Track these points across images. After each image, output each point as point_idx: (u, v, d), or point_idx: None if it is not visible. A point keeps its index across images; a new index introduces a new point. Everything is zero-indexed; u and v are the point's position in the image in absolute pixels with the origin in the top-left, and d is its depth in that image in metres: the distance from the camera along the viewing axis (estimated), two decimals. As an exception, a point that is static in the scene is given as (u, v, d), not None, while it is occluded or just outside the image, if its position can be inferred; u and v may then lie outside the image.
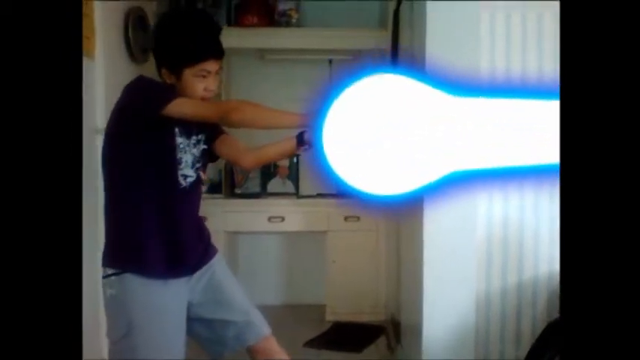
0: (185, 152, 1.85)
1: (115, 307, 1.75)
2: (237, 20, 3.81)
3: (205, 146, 1.93)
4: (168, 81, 1.79)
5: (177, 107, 1.70)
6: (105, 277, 1.77)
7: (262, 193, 4.05)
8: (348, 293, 3.73)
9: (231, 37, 3.74)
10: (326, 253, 3.76)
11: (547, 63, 2.36)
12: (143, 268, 1.75)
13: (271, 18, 3.84)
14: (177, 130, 1.81)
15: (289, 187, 4.11)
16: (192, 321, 1.87)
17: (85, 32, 2.52)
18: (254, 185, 4.06)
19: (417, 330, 2.37)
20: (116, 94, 2.09)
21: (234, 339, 1.92)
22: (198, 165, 1.90)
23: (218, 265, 1.96)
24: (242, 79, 4.11)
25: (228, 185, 4.02)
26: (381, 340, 3.37)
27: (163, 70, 1.80)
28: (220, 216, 3.62)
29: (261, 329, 1.95)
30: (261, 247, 4.16)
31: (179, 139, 1.82)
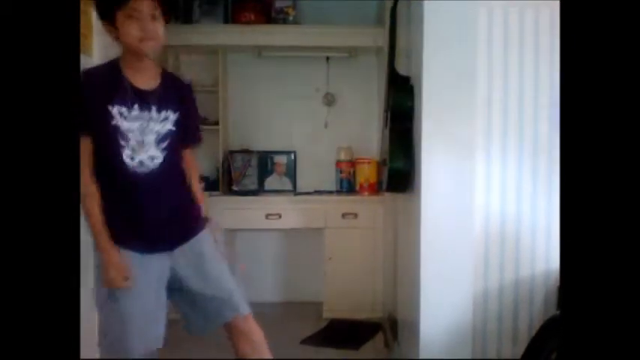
0: (141, 132, 1.87)
1: (99, 275, 1.86)
2: (234, 17, 3.81)
3: (172, 127, 1.93)
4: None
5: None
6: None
7: (259, 190, 4.05)
8: (345, 290, 3.73)
9: (228, 34, 3.76)
10: (323, 250, 3.76)
11: (543, 61, 2.37)
12: (118, 244, 1.86)
13: (268, 15, 3.84)
14: (117, 109, 1.83)
15: (286, 184, 4.11)
16: (177, 292, 1.98)
17: (82, 30, 2.51)
18: (251, 182, 4.06)
19: (414, 327, 2.37)
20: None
21: (215, 314, 1.99)
22: (163, 144, 1.91)
23: (204, 240, 2.02)
24: (239, 76, 4.11)
25: (226, 182, 4.02)
26: (378, 338, 3.37)
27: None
28: (217, 213, 3.62)
29: (241, 307, 2.01)
30: (259, 244, 4.16)
31: (122, 120, 1.84)
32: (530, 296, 2.44)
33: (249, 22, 3.73)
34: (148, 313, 1.89)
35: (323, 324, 3.63)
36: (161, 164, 1.90)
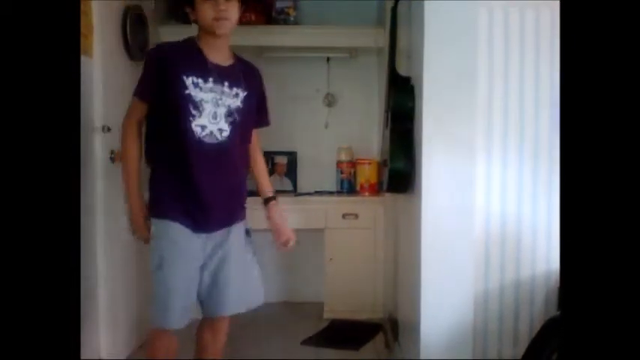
0: (214, 103, 1.98)
1: (153, 244, 2.00)
2: (235, 18, 3.81)
3: (240, 104, 2.04)
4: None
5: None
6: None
7: (260, 190, 4.04)
8: (345, 291, 3.73)
9: (228, 35, 3.76)
10: (324, 250, 3.76)
11: (544, 61, 2.37)
12: (167, 215, 1.98)
13: (269, 16, 3.84)
14: (192, 79, 1.94)
15: (287, 184, 4.11)
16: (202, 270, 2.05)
17: (82, 30, 2.51)
18: (252, 183, 4.05)
19: (414, 328, 2.37)
20: (114, 93, 2.10)
21: (214, 304, 2.07)
22: (231, 119, 2.02)
23: (239, 232, 2.14)
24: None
25: (226, 183, 4.02)
26: (379, 338, 3.37)
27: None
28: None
29: (239, 308, 2.11)
30: (259, 244, 4.14)
31: (196, 90, 1.94)
32: (530, 297, 2.44)
33: (249, 23, 3.73)
34: (187, 288, 1.99)
35: (323, 324, 3.62)
36: (228, 138, 2.01)
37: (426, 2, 2.20)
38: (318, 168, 4.13)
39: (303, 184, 4.13)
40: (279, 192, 4.08)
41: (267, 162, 4.07)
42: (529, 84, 2.38)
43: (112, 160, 2.70)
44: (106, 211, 2.71)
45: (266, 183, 2.33)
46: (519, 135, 2.39)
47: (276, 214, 2.29)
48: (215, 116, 1.98)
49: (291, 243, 2.28)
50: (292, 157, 4.12)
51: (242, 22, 3.81)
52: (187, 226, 1.98)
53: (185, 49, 2.02)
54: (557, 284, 2.40)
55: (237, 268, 2.10)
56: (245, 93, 2.07)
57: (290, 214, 3.79)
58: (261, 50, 3.96)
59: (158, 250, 1.99)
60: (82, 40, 2.51)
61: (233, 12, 1.98)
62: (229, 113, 2.01)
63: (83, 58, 2.48)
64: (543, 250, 2.42)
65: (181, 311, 1.98)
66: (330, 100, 4.12)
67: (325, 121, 4.13)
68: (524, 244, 2.42)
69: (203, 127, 1.96)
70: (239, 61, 2.15)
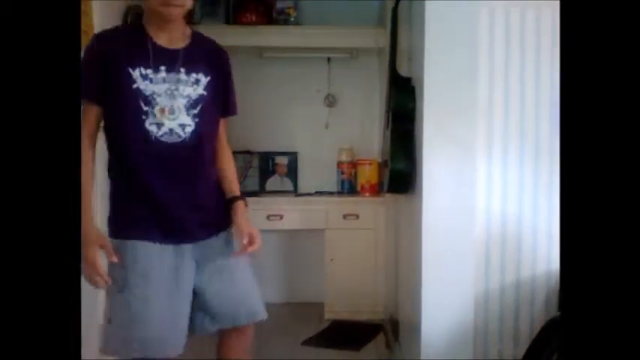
0: (169, 96, 1.69)
1: (113, 266, 1.71)
2: (235, 18, 3.81)
3: (204, 92, 1.75)
4: None
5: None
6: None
7: (261, 191, 4.05)
8: (346, 291, 3.73)
9: (229, 35, 3.74)
10: (324, 251, 3.76)
11: (544, 61, 2.37)
12: (130, 231, 1.72)
13: (269, 16, 3.84)
14: (139, 71, 1.66)
15: (288, 185, 4.11)
16: (202, 290, 1.81)
17: (83, 30, 2.52)
18: (252, 183, 4.06)
19: (415, 328, 2.37)
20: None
21: (230, 316, 1.86)
22: (195, 110, 1.73)
23: (229, 240, 1.88)
24: (240, 77, 4.07)
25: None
26: (380, 339, 3.37)
27: None
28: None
29: (259, 312, 1.91)
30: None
31: (145, 82, 1.66)
32: (531, 297, 2.44)
33: (250, 23, 3.73)
34: (163, 316, 1.70)
35: (324, 325, 3.62)
36: (193, 133, 1.71)
37: (426, 2, 2.20)
38: (318, 168, 4.13)
39: (304, 184, 4.13)
40: (279, 192, 4.12)
41: (267, 162, 4.09)
42: (530, 84, 2.38)
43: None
44: (106, 211, 2.70)
45: (234, 181, 1.94)
46: (520, 135, 2.39)
47: (240, 215, 1.87)
48: (172, 111, 1.68)
49: (257, 243, 1.86)
50: (293, 157, 4.12)
51: (242, 22, 3.85)
52: (156, 241, 1.72)
53: (129, 36, 1.74)
54: (558, 285, 2.40)
55: (237, 279, 1.87)
56: (208, 78, 1.76)
57: (290, 215, 3.82)
58: (261, 51, 3.96)
59: (120, 272, 1.70)
60: (83, 39, 2.52)
61: None
62: (191, 104, 1.71)
63: (84, 59, 2.48)
64: (544, 250, 2.42)
65: (158, 341, 1.69)
66: (330, 101, 4.12)
67: (326, 122, 4.13)
68: (524, 245, 2.42)
69: (159, 125, 1.67)
70: (198, 40, 1.82)
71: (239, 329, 1.93)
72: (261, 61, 4.07)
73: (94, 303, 2.67)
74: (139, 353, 1.69)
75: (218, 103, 1.83)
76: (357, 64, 4.09)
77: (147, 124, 1.66)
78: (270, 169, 4.11)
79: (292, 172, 4.12)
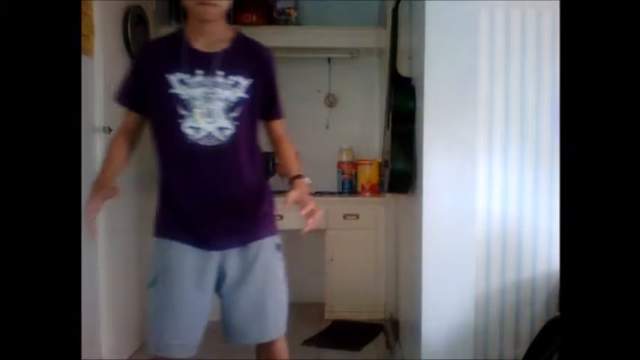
0: (206, 99, 1.70)
1: (151, 261, 1.80)
2: (235, 19, 3.81)
3: (244, 95, 1.75)
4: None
5: None
6: None
7: (261, 191, 4.04)
8: (347, 292, 3.72)
9: (229, 36, 3.76)
10: (325, 251, 3.76)
11: (546, 61, 2.37)
12: (168, 237, 1.78)
13: (270, 16, 3.84)
14: (176, 76, 1.70)
15: (288, 185, 4.10)
16: (220, 296, 1.83)
17: (83, 30, 2.52)
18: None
19: (415, 328, 2.37)
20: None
21: (256, 331, 1.86)
22: (234, 114, 1.74)
23: (265, 248, 1.85)
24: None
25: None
26: (380, 339, 3.37)
27: None
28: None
29: (282, 329, 1.91)
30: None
31: (182, 87, 1.70)
32: (531, 298, 2.43)
33: (250, 24, 3.73)
34: (179, 315, 1.74)
35: (325, 325, 3.62)
36: (232, 136, 1.72)
37: (427, 2, 2.20)
38: (319, 168, 4.12)
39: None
40: (280, 192, 4.09)
41: (267, 162, 4.08)
42: (530, 84, 2.38)
43: (113, 160, 2.69)
44: (107, 212, 2.70)
45: (294, 164, 1.96)
46: (520, 135, 2.38)
47: (300, 188, 1.82)
48: (210, 114, 1.70)
49: (318, 214, 1.74)
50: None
51: (243, 22, 3.85)
52: (185, 243, 1.76)
53: (170, 43, 1.77)
54: (558, 285, 2.40)
55: (257, 292, 1.84)
56: (249, 80, 1.76)
57: (291, 215, 3.81)
58: (262, 51, 3.95)
59: (153, 268, 1.79)
60: (83, 40, 2.52)
61: None
62: (230, 107, 1.72)
63: (84, 58, 2.49)
64: (544, 251, 2.41)
65: (178, 340, 1.74)
66: (331, 101, 4.12)
67: (326, 122, 4.13)
68: (525, 245, 2.42)
69: (197, 129, 1.70)
70: (240, 42, 1.83)
71: (263, 344, 1.92)
72: (262, 62, 4.07)
73: (95, 304, 2.67)
74: (154, 347, 1.76)
75: (260, 105, 1.84)
76: (357, 65, 4.09)
77: (184, 128, 1.70)
78: (270, 168, 4.11)
79: (293, 172, 4.12)
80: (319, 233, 3.80)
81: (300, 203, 1.75)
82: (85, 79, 2.47)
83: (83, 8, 2.50)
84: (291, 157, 1.98)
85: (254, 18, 3.75)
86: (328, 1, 3.96)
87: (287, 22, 3.85)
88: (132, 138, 1.83)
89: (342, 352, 3.20)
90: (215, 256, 1.78)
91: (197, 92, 1.70)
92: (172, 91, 1.69)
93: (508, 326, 2.45)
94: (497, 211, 2.40)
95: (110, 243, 2.75)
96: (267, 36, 3.77)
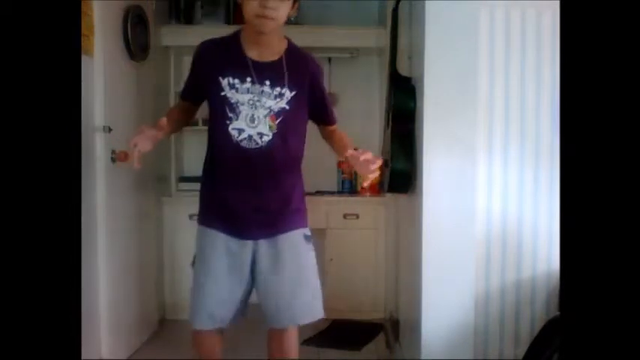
0: (251, 106, 1.86)
1: (195, 245, 2.01)
2: (236, 19, 3.80)
3: (287, 106, 1.90)
4: (241, 7, 1.84)
5: None
6: None
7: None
8: (346, 291, 3.72)
9: (230, 35, 3.76)
10: (325, 251, 3.76)
11: (546, 61, 2.37)
12: (207, 225, 1.97)
13: (270, 16, 3.83)
14: (227, 80, 1.85)
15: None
16: (263, 282, 1.97)
17: (83, 31, 2.52)
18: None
19: (415, 328, 2.37)
20: (115, 93, 2.07)
21: (274, 315, 1.98)
22: (274, 123, 1.89)
23: (293, 240, 1.99)
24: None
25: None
26: (380, 338, 3.37)
27: None
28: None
29: (299, 318, 2.00)
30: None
31: (232, 91, 1.85)
32: (531, 297, 2.43)
33: (250, 23, 3.72)
34: (215, 292, 1.93)
35: (325, 325, 3.62)
36: (269, 142, 1.88)
37: (427, 2, 2.20)
38: (319, 168, 4.11)
39: (304, 184, 4.12)
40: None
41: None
42: (530, 84, 2.38)
43: (113, 160, 2.69)
44: (107, 212, 2.71)
45: (346, 145, 2.18)
46: (520, 135, 2.39)
47: (354, 152, 2.04)
48: (253, 119, 1.86)
49: (377, 162, 1.96)
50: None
51: (243, 22, 3.84)
52: (226, 232, 1.94)
53: (226, 46, 1.91)
54: (558, 285, 2.40)
55: (287, 279, 1.96)
56: (293, 92, 1.90)
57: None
58: (262, 51, 3.95)
59: (197, 251, 2.00)
60: (83, 40, 2.52)
61: (281, 11, 1.83)
62: (271, 116, 1.88)
63: (84, 58, 2.48)
64: (544, 250, 2.41)
65: (208, 313, 1.93)
66: (331, 101, 4.12)
67: (326, 122, 4.12)
68: (525, 245, 2.42)
69: (240, 131, 1.86)
70: (290, 54, 1.96)
71: (274, 330, 2.04)
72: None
73: (95, 303, 2.67)
74: (191, 318, 1.95)
75: (312, 114, 2.03)
76: (357, 64, 4.08)
77: (230, 128, 1.86)
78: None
79: (293, 172, 4.11)
80: (319, 233, 3.79)
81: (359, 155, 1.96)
82: (84, 79, 2.46)
83: (83, 8, 2.50)
84: (344, 140, 2.23)
85: (254, 18, 3.74)
86: (328, 1, 3.96)
87: (287, 22, 3.84)
88: (177, 119, 2.02)
89: (342, 352, 3.20)
90: (249, 244, 1.94)
91: (244, 98, 1.86)
92: (223, 93, 1.85)
93: (508, 326, 2.45)
94: (497, 211, 2.40)
95: (110, 243, 2.75)
96: (267, 36, 3.80)
